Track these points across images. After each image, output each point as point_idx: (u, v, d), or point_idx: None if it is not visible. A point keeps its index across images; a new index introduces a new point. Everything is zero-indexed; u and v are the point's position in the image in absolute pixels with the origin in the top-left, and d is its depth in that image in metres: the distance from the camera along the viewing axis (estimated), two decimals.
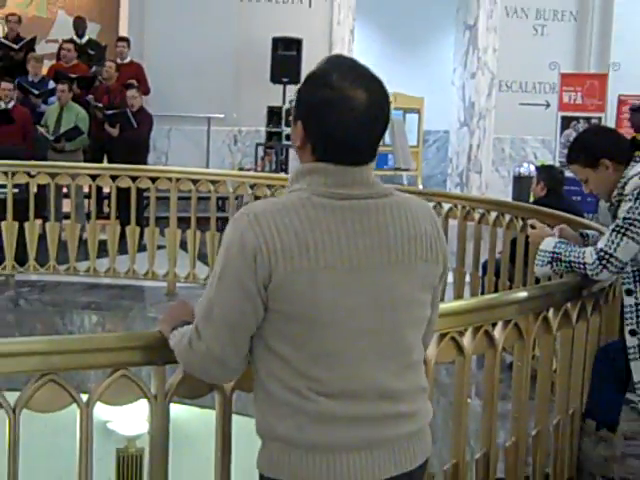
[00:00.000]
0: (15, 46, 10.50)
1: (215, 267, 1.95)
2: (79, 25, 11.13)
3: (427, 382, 2.12)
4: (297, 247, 1.87)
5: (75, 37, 10.97)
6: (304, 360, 1.91)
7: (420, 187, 11.52)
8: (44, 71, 10.50)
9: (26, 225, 7.48)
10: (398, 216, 1.98)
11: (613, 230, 3.41)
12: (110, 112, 9.77)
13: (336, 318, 1.91)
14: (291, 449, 1.94)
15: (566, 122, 11.41)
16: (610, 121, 11.42)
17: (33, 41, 10.70)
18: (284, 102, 11.14)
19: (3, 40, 10.72)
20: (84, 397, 2.28)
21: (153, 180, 7.51)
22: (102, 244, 7.64)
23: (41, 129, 9.47)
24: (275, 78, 11.20)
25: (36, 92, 9.96)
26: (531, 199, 8.53)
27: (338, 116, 1.91)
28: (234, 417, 2.45)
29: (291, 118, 2.05)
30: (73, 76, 10.12)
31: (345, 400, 1.93)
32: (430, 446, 2.12)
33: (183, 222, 7.52)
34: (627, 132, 9.21)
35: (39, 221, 7.59)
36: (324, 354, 1.92)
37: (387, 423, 1.99)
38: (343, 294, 1.91)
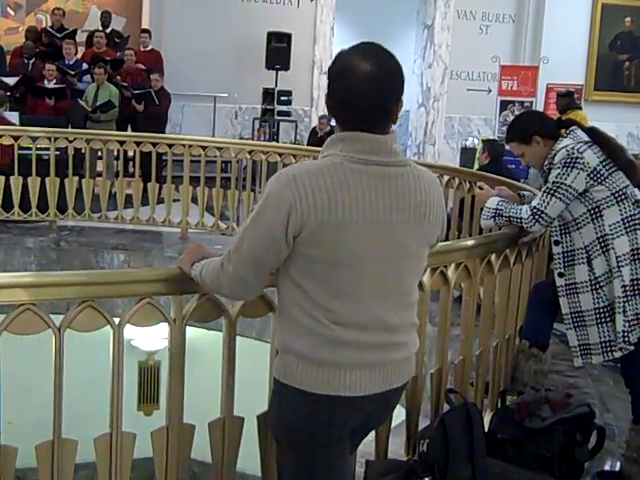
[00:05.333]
0: (59, 35, 10.31)
1: (254, 210, 1.90)
2: (105, 18, 10.94)
3: (417, 319, 2.09)
4: (327, 204, 1.82)
5: (101, 28, 10.77)
6: (323, 294, 1.89)
7: None
8: (78, 55, 10.28)
9: (66, 181, 7.43)
10: (414, 184, 1.94)
11: (544, 191, 3.39)
12: (137, 92, 9.63)
13: (353, 263, 1.88)
14: (303, 362, 1.92)
15: (504, 105, 11.37)
16: (540, 105, 11.40)
17: (74, 32, 10.50)
18: (276, 84, 11.00)
19: (50, 29, 10.51)
20: (116, 320, 2.24)
21: (170, 146, 7.45)
22: (128, 197, 7.62)
23: (82, 102, 9.41)
24: (269, 65, 11.05)
25: (72, 72, 9.78)
26: (475, 166, 8.48)
27: (345, 82, 1.86)
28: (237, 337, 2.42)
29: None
30: (108, 59, 9.99)
31: (354, 329, 1.91)
32: (413, 369, 2.12)
33: (194, 180, 7.46)
34: (553, 113, 9.17)
35: (76, 178, 7.50)
36: (340, 291, 1.89)
37: (386, 350, 1.97)
38: (361, 244, 1.87)
